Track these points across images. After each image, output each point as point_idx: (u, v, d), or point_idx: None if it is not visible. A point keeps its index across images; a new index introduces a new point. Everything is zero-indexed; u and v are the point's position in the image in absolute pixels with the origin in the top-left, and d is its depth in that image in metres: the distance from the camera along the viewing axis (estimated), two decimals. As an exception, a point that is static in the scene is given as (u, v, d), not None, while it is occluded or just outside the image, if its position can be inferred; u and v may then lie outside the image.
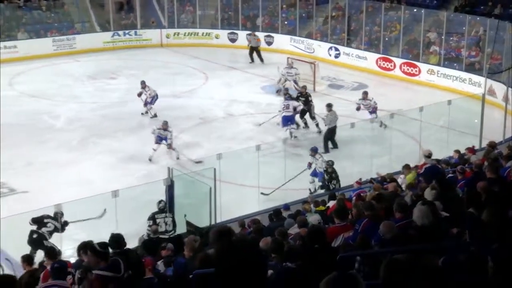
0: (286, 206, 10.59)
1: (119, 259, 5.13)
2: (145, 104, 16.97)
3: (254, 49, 22.93)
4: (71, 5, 25.32)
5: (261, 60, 22.67)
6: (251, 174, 12.47)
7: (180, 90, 19.58)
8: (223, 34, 25.50)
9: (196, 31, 25.72)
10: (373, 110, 16.07)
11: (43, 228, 10.29)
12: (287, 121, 15.23)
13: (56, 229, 10.41)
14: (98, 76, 21.11)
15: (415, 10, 22.40)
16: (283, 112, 15.33)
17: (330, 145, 14.82)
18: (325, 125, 14.86)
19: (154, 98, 16.96)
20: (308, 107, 15.91)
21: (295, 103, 15.52)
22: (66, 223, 10.43)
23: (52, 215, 10.45)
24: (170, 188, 11.07)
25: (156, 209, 10.64)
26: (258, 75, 21.08)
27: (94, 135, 15.74)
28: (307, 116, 16.03)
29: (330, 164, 12.69)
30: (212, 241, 3.73)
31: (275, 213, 9.99)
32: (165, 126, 14.47)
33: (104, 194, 10.23)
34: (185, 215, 10.67)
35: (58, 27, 24.38)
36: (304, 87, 17.02)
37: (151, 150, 14.27)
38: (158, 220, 10.37)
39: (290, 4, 25.42)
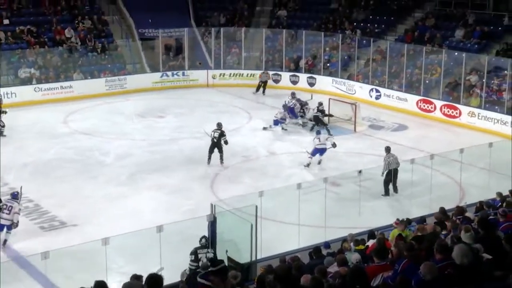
0: (327, 244, 10.66)
1: None
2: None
3: (264, 83, 24.81)
4: (124, 47, 26.48)
5: (264, 92, 24.93)
6: (292, 211, 12.70)
7: (225, 129, 20.07)
8: (267, 75, 26.19)
9: (241, 72, 26.50)
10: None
11: None
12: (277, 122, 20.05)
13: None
14: (147, 114, 21.85)
15: (456, 53, 22.63)
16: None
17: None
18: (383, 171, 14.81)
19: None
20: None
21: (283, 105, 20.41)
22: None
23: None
24: (212, 224, 11.19)
25: (198, 245, 10.75)
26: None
27: (142, 171, 16.18)
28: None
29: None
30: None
31: (315, 251, 9.93)
32: (294, 95, 20.55)
33: (150, 229, 10.44)
34: (226, 251, 10.69)
35: (110, 68, 25.43)
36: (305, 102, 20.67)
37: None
38: (200, 255, 10.41)
39: (333, 47, 26.00)
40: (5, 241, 12.21)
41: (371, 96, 23.50)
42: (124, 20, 27.74)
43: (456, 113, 21.00)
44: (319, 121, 19.74)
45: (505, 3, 24.51)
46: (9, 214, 12.14)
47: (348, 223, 12.91)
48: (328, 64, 25.85)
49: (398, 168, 14.74)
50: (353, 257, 8.52)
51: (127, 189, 15.06)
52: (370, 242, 10.24)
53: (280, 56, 26.72)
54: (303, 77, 25.68)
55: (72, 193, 14.71)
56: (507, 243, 5.99)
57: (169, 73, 25.91)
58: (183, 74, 26.11)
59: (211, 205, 11.56)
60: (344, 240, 10.67)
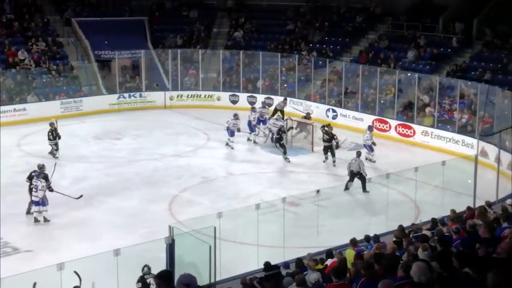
0: (286, 264, 10.72)
1: None
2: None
3: (280, 112, 22.96)
4: (80, 69, 26.09)
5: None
6: (251, 232, 12.75)
7: (183, 150, 20.08)
8: (225, 96, 26.28)
9: (199, 93, 26.51)
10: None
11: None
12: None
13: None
14: (104, 136, 21.58)
15: (409, 74, 23.24)
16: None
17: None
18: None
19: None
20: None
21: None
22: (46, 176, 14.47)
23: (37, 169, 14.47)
24: (171, 246, 11.17)
25: (141, 273, 10.61)
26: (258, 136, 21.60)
27: (100, 194, 15.98)
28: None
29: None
30: None
31: (274, 271, 10.07)
32: (237, 117, 20.26)
33: (106, 253, 10.34)
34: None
35: (66, 90, 25.04)
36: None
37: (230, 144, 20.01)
38: (148, 280, 10.34)
39: (289, 68, 26.31)
40: (45, 218, 14.13)
41: (328, 116, 23.80)
42: (80, 41, 27.40)
43: (410, 132, 21.49)
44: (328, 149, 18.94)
45: (453, 26, 25.36)
46: (36, 191, 14.02)
47: (306, 243, 12.98)
48: (285, 85, 26.13)
49: (363, 174, 15.91)
50: (312, 277, 8.56)
51: (84, 212, 14.81)
52: (329, 261, 10.31)
53: (238, 77, 26.89)
54: (260, 97, 25.86)
55: (26, 218, 14.37)
56: (456, 259, 6.14)
57: (126, 94, 25.69)
58: (140, 96, 25.95)
59: (169, 227, 11.46)
60: (300, 259, 10.67)
